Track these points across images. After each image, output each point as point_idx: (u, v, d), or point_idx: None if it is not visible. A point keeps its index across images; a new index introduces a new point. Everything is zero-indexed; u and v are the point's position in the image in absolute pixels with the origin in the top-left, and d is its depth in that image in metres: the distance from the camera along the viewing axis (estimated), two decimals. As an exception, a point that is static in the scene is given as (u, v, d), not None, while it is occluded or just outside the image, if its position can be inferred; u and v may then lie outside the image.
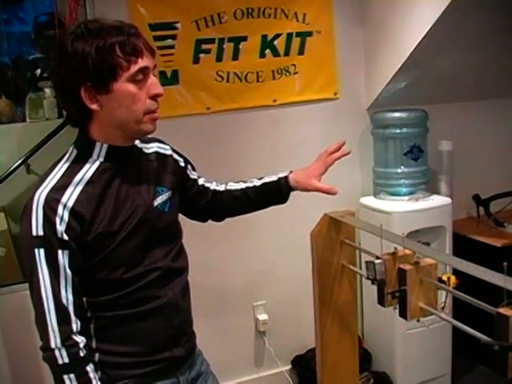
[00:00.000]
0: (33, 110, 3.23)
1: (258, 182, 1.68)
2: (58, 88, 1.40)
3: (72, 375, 1.29)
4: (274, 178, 1.68)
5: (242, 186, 1.68)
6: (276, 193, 1.67)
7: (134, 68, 1.29)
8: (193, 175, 1.65)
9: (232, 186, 1.70)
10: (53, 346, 1.27)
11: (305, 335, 2.74)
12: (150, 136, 1.50)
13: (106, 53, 1.26)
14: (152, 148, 1.51)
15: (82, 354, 1.30)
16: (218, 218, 1.75)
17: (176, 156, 1.58)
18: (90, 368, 1.32)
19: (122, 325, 1.36)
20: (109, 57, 1.26)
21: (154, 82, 1.33)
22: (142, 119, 1.33)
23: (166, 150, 1.55)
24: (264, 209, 1.73)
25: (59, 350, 1.28)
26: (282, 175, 1.67)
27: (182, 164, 1.60)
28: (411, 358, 2.82)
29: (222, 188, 1.70)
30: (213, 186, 1.69)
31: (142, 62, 1.30)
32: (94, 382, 1.32)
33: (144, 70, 1.31)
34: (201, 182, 1.67)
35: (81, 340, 1.31)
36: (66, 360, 1.28)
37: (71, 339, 1.29)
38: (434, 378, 2.87)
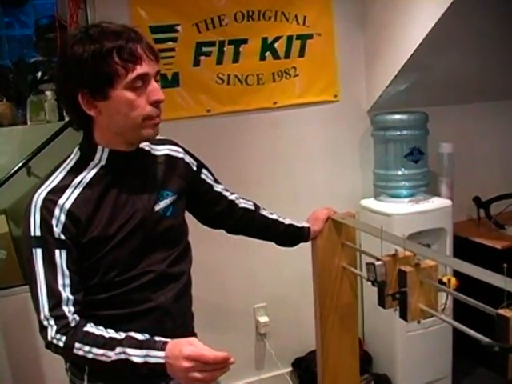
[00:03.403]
0: (34, 113, 3.24)
1: (285, 221, 1.78)
2: (58, 92, 1.40)
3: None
4: (296, 223, 1.80)
5: (274, 216, 1.77)
6: (296, 237, 1.81)
7: (132, 75, 1.26)
8: (209, 180, 1.61)
9: (264, 212, 1.76)
10: (49, 339, 1.26)
11: (305, 337, 2.74)
12: (163, 137, 1.50)
13: (102, 59, 1.24)
14: (162, 150, 1.49)
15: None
16: (233, 231, 1.76)
17: (188, 159, 1.55)
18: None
19: (111, 325, 1.33)
20: (105, 64, 1.24)
21: (154, 88, 1.30)
22: (141, 125, 1.31)
23: (178, 153, 1.52)
24: (273, 243, 1.83)
25: (56, 339, 1.26)
26: (305, 225, 1.81)
27: (195, 168, 1.56)
28: (412, 360, 2.82)
29: (250, 207, 1.72)
30: (232, 197, 1.68)
31: (141, 69, 1.27)
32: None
33: (143, 77, 1.28)
34: (218, 188, 1.64)
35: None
36: (61, 344, 1.26)
37: (64, 330, 1.27)
38: (434, 380, 2.87)
